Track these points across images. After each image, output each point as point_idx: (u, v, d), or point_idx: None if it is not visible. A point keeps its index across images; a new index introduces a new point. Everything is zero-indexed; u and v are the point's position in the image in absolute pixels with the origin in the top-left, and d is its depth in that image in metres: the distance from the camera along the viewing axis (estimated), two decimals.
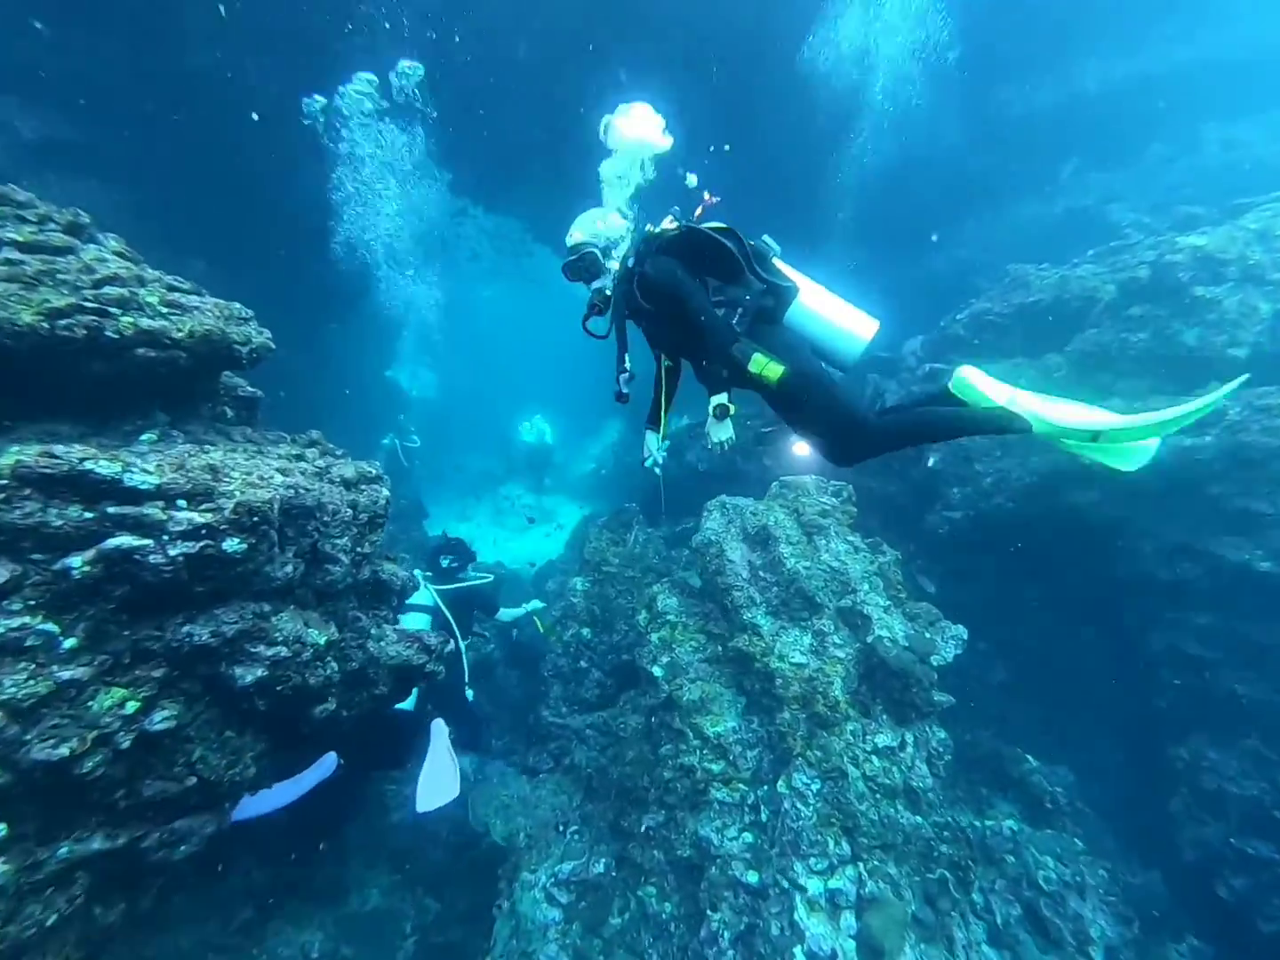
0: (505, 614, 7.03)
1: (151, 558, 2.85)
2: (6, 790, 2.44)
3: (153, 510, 2.87)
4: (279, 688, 3.37)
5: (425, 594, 6.07)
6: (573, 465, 20.90)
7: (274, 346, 3.99)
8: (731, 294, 3.12)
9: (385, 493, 4.50)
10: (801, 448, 6.65)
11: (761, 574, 5.99)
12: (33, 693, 2.51)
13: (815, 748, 4.64)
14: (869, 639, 5.08)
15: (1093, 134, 10.30)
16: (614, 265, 3.23)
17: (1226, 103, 9.60)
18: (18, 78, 7.66)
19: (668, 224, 3.28)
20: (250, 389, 4.39)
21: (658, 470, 3.57)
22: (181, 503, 3.02)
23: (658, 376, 3.43)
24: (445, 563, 6.67)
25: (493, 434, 22.45)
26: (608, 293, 3.19)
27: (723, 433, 3.05)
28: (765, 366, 3.00)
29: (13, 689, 2.46)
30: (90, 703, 2.67)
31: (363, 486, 4.44)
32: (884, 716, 4.77)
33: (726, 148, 9.28)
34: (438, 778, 4.86)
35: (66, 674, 2.58)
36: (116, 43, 7.77)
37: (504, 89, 9.91)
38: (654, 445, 3.54)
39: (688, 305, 2.96)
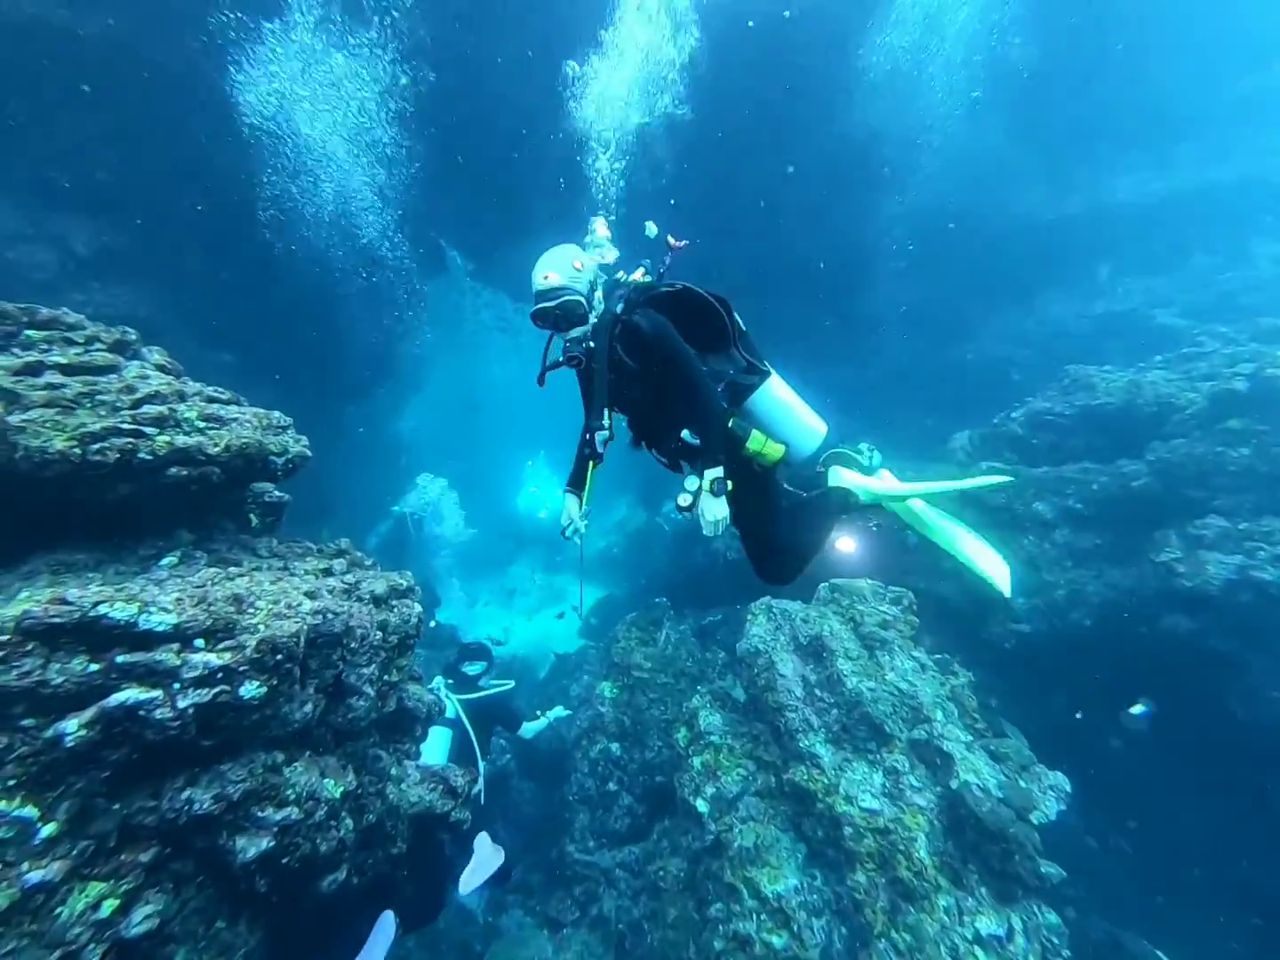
0: (529, 730, 6.45)
1: (157, 713, 2.46)
2: None
3: (166, 655, 2.50)
4: (285, 860, 2.87)
5: (446, 704, 5.62)
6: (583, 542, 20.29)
7: (310, 454, 3.74)
8: (714, 365, 2.91)
9: (417, 609, 4.12)
10: (846, 544, 6.25)
11: (818, 693, 5.43)
12: None
13: (902, 929, 3.93)
14: (953, 784, 4.46)
15: (1128, 241, 10.49)
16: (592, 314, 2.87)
17: (1273, 219, 9.76)
18: (77, 195, 8.06)
19: (638, 275, 3.01)
20: (278, 494, 4.11)
21: (578, 540, 3.20)
22: (199, 643, 2.65)
23: (587, 439, 2.91)
24: (468, 670, 6.20)
25: (494, 507, 22.13)
26: (590, 343, 2.78)
27: (720, 510, 2.64)
28: (765, 445, 2.85)
29: None
30: (60, 909, 2.21)
31: (393, 602, 4.06)
32: (982, 890, 4.06)
33: (790, 168, 9.48)
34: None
35: (36, 876, 2.14)
36: (157, 153, 8.17)
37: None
38: (575, 511, 3.15)
39: (683, 368, 2.68)
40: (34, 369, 2.61)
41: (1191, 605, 5.47)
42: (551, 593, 17.61)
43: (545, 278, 2.70)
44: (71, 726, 2.23)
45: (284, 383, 9.48)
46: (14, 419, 2.43)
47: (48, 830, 2.30)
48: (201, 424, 2.88)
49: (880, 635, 5.60)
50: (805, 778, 4.96)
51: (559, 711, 7.06)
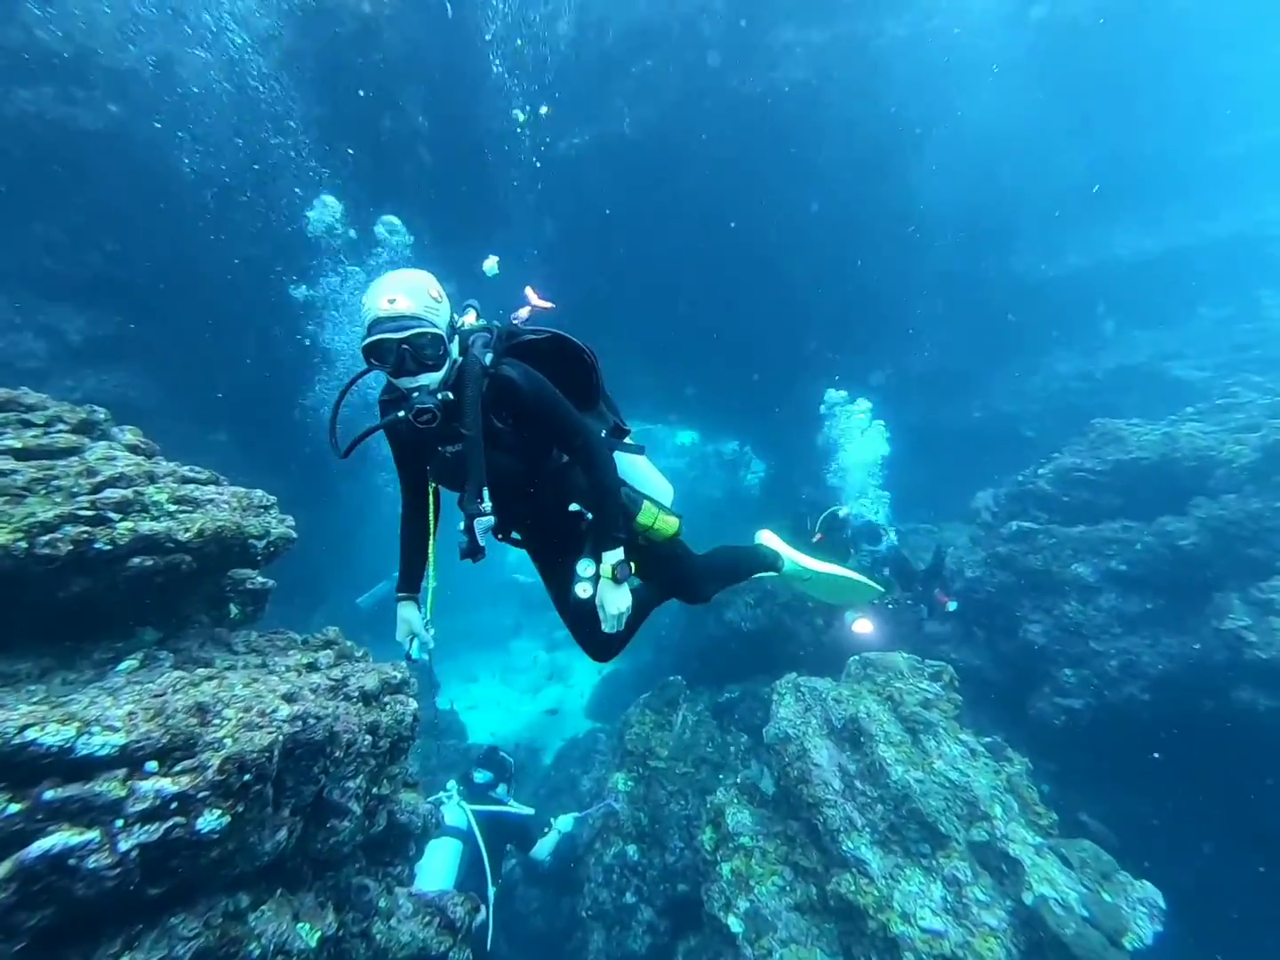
0: (542, 850, 5.82)
1: (91, 860, 2.02)
2: None
3: (108, 786, 2.09)
4: None
5: (458, 812, 5.10)
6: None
7: (295, 536, 3.42)
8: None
9: (412, 706, 3.67)
10: (864, 626, 5.77)
11: (858, 785, 4.86)
12: None
13: None
14: (1025, 897, 3.86)
15: (1130, 295, 10.53)
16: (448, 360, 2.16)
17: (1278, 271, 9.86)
18: (68, 283, 8.18)
19: (470, 319, 2.41)
20: (261, 580, 3.75)
21: (426, 657, 2.58)
22: (151, 766, 2.24)
23: (462, 529, 2.24)
24: (481, 778, 5.68)
25: (491, 579, 21.51)
26: (445, 396, 2.03)
27: (623, 602, 2.25)
28: (658, 519, 2.53)
29: None
30: None
31: (385, 699, 3.63)
32: None
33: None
34: None
35: None
36: (153, 243, 8.32)
37: None
38: (415, 622, 2.51)
39: (567, 429, 2.22)
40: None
41: (1268, 677, 4.97)
42: (554, 669, 16.83)
43: (391, 301, 1.96)
44: None
45: (279, 458, 9.31)
46: None
47: None
48: (171, 507, 2.58)
49: (923, 716, 5.08)
50: (852, 889, 4.35)
51: (568, 822, 6.43)
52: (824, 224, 9.96)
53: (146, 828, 2.14)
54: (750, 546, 3.54)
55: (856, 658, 5.99)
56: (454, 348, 2.12)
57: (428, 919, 3.36)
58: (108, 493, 2.40)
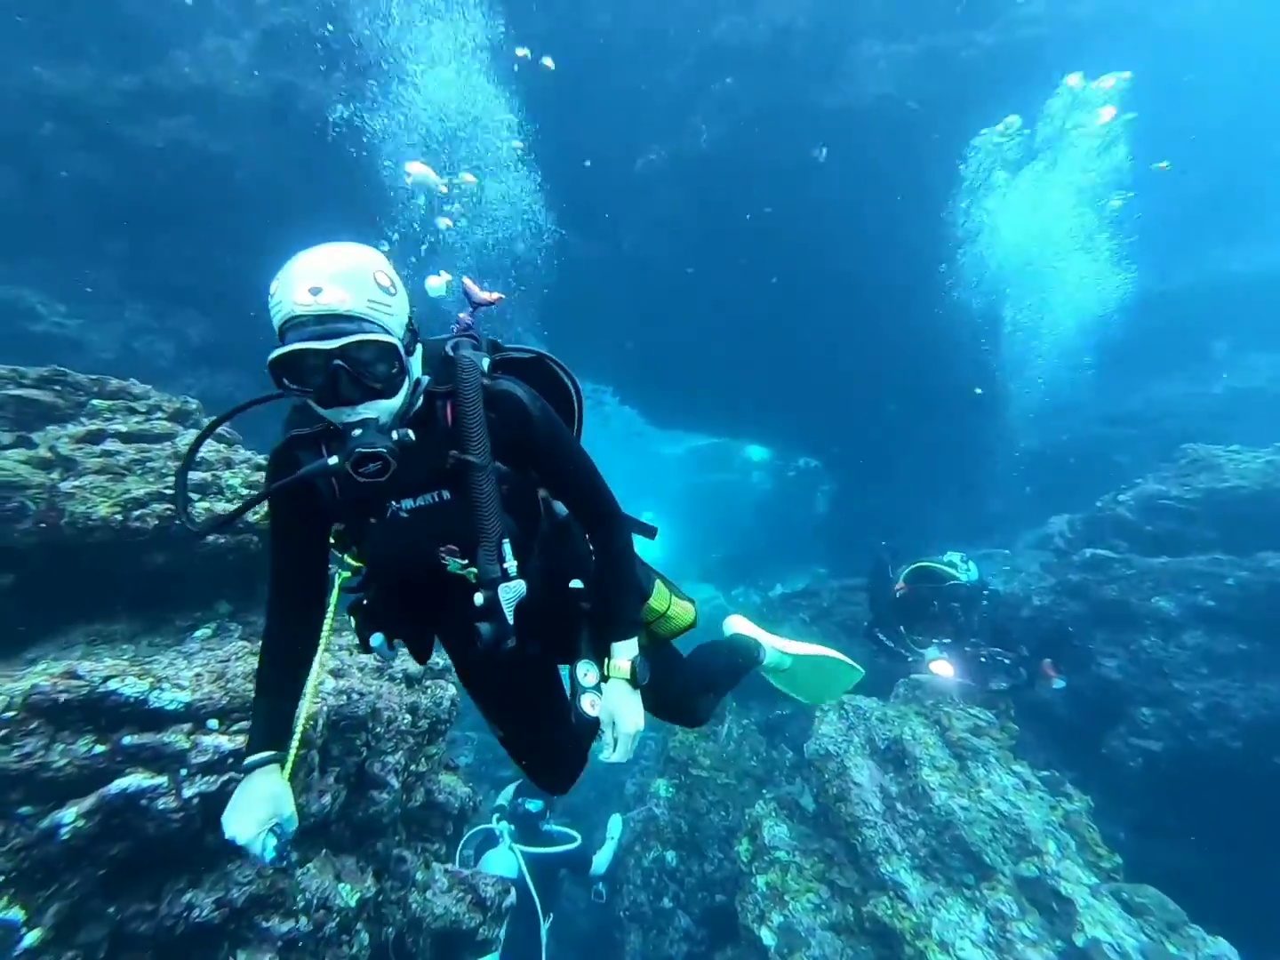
0: (600, 864, 5.84)
1: (160, 802, 2.28)
2: None
3: (175, 738, 2.36)
4: None
5: (509, 859, 4.90)
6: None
7: None
8: None
9: (451, 691, 3.88)
10: (943, 667, 5.47)
11: (899, 807, 4.70)
12: None
13: None
14: (1077, 939, 3.61)
15: (1244, 315, 9.69)
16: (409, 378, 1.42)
17: None
18: (197, 295, 9.12)
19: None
20: None
21: (288, 860, 1.49)
22: (213, 723, 2.51)
23: (297, 635, 1.59)
24: (532, 806, 5.56)
25: None
26: (404, 435, 1.32)
27: (638, 715, 1.63)
28: (673, 603, 1.96)
29: None
30: None
31: (426, 683, 3.85)
32: None
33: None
34: None
35: None
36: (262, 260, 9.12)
37: None
38: (280, 803, 1.48)
39: (582, 474, 1.62)
40: (95, 437, 2.70)
41: None
42: None
43: (314, 291, 1.20)
44: (69, 816, 2.08)
45: None
46: (66, 485, 2.47)
47: (32, 937, 2.11)
48: (244, 491, 2.86)
49: (972, 743, 4.85)
50: (889, 913, 4.20)
51: (617, 825, 6.46)
52: (903, 241, 9.70)
53: (206, 779, 2.40)
54: (728, 641, 2.80)
55: (906, 679, 5.79)
56: (415, 361, 1.41)
57: (461, 895, 3.53)
58: (191, 475, 2.70)
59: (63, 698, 2.08)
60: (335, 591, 1.57)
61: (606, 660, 1.64)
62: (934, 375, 10.85)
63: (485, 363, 1.51)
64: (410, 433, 1.31)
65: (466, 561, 1.50)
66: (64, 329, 8.07)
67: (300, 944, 2.62)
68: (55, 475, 2.48)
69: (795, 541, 17.73)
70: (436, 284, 1.70)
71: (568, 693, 1.66)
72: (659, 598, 1.94)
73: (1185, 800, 5.37)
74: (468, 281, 1.85)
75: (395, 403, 1.33)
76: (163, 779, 2.30)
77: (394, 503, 1.46)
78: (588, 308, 11.75)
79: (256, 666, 1.59)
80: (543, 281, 11.58)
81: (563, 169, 10.42)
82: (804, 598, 10.60)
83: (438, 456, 1.41)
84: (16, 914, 2.01)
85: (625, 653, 1.64)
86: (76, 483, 2.46)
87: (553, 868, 5.22)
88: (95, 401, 2.91)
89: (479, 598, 1.40)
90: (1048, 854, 4.09)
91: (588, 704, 1.61)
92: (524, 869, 4.80)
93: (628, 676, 1.61)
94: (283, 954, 2.55)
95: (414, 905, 3.32)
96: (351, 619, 1.60)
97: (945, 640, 5.44)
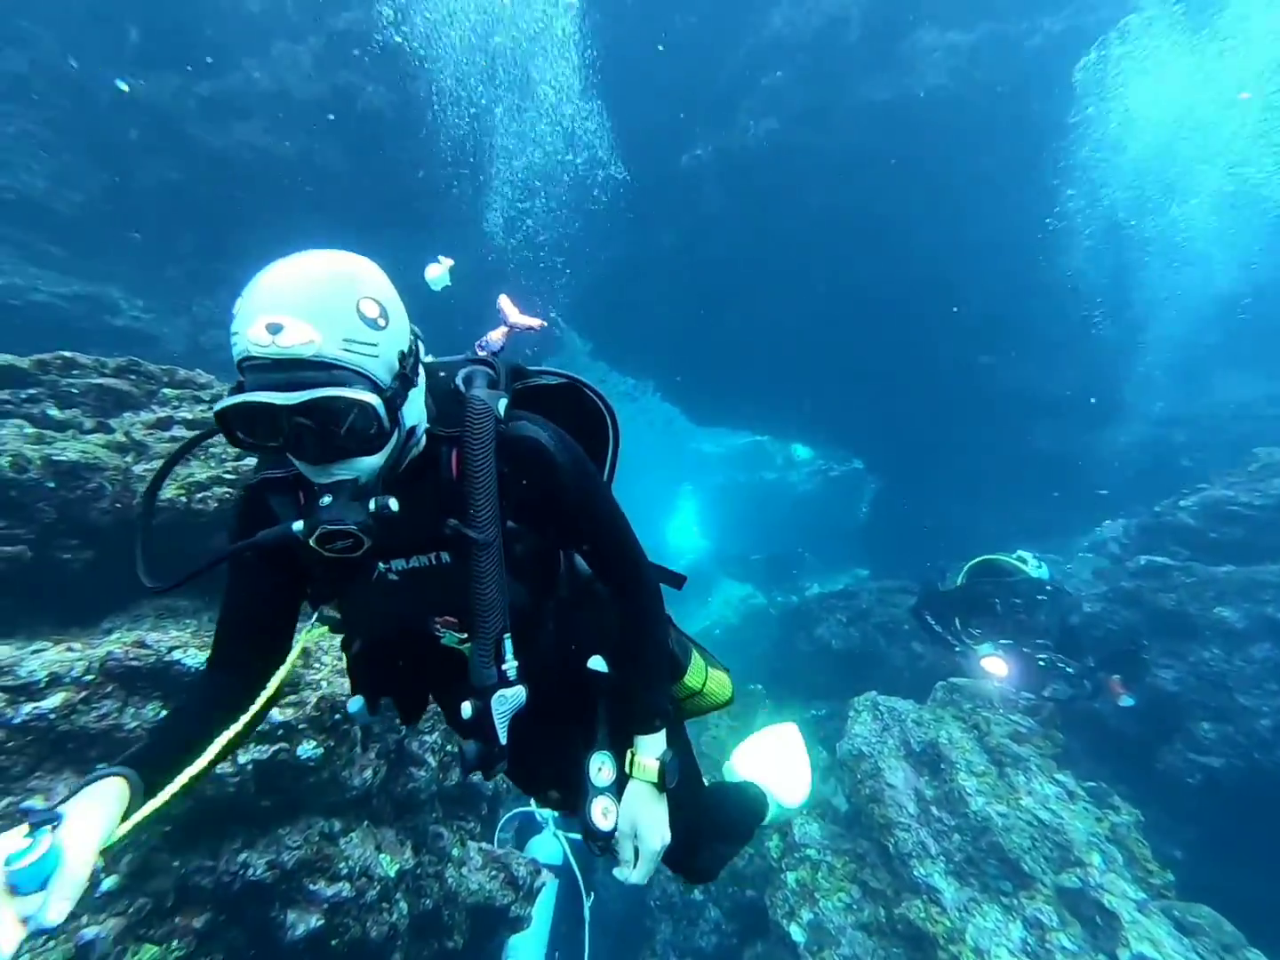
0: None
1: (220, 767, 2.44)
2: None
3: None
4: (334, 941, 2.71)
5: (553, 845, 4.92)
6: (682, 624, 19.29)
7: None
8: None
9: None
10: (996, 665, 5.28)
11: (934, 811, 4.62)
12: None
13: None
14: (1121, 954, 3.50)
15: None
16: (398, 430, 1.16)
17: None
18: None
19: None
20: None
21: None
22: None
23: (224, 691, 1.24)
24: None
25: None
26: (389, 506, 1.06)
27: (664, 826, 1.32)
28: (709, 678, 1.71)
29: (25, 958, 2.05)
30: None
31: None
32: None
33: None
34: None
35: (92, 933, 2.13)
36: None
37: None
38: (89, 843, 0.93)
39: (616, 535, 1.37)
40: (164, 423, 2.89)
41: None
42: None
43: (273, 330, 0.92)
44: None
45: None
46: (139, 468, 2.66)
47: (109, 883, 2.31)
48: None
49: (1012, 750, 4.72)
50: (922, 916, 4.15)
51: None
52: (959, 237, 9.39)
53: (260, 747, 2.56)
54: (743, 793, 2.25)
55: (944, 683, 5.67)
56: (412, 402, 1.12)
57: (495, 873, 3.64)
58: (249, 460, 2.86)
59: (133, 665, 2.24)
60: (298, 649, 1.27)
61: (629, 754, 1.34)
62: (998, 377, 10.51)
63: (502, 405, 1.22)
64: (392, 502, 1.04)
65: (466, 636, 1.27)
66: (140, 322, 8.61)
67: (344, 908, 2.76)
68: (129, 459, 2.68)
69: (835, 543, 17.46)
70: (436, 273, 1.74)
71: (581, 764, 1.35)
72: (694, 671, 1.67)
73: (1249, 821, 5.10)
74: (506, 301, 1.60)
75: (378, 460, 1.05)
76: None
77: (382, 563, 1.23)
78: (631, 305, 11.81)
79: (178, 707, 1.24)
80: (585, 277, 11.71)
81: (607, 164, 10.49)
82: (841, 599, 10.48)
83: (435, 515, 1.16)
84: (97, 861, 2.20)
85: (652, 748, 1.33)
86: (148, 466, 2.66)
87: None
88: (165, 390, 3.13)
89: (467, 708, 1.17)
90: (1091, 866, 3.96)
91: (599, 812, 1.29)
92: (568, 853, 4.90)
93: (654, 779, 1.30)
94: (328, 916, 2.69)
95: (450, 880, 3.44)
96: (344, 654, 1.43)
97: (1005, 641, 5.19)
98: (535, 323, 1.59)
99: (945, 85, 8.58)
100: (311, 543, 1.00)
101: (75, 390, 3.09)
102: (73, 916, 2.26)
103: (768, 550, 19.40)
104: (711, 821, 1.85)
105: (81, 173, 8.51)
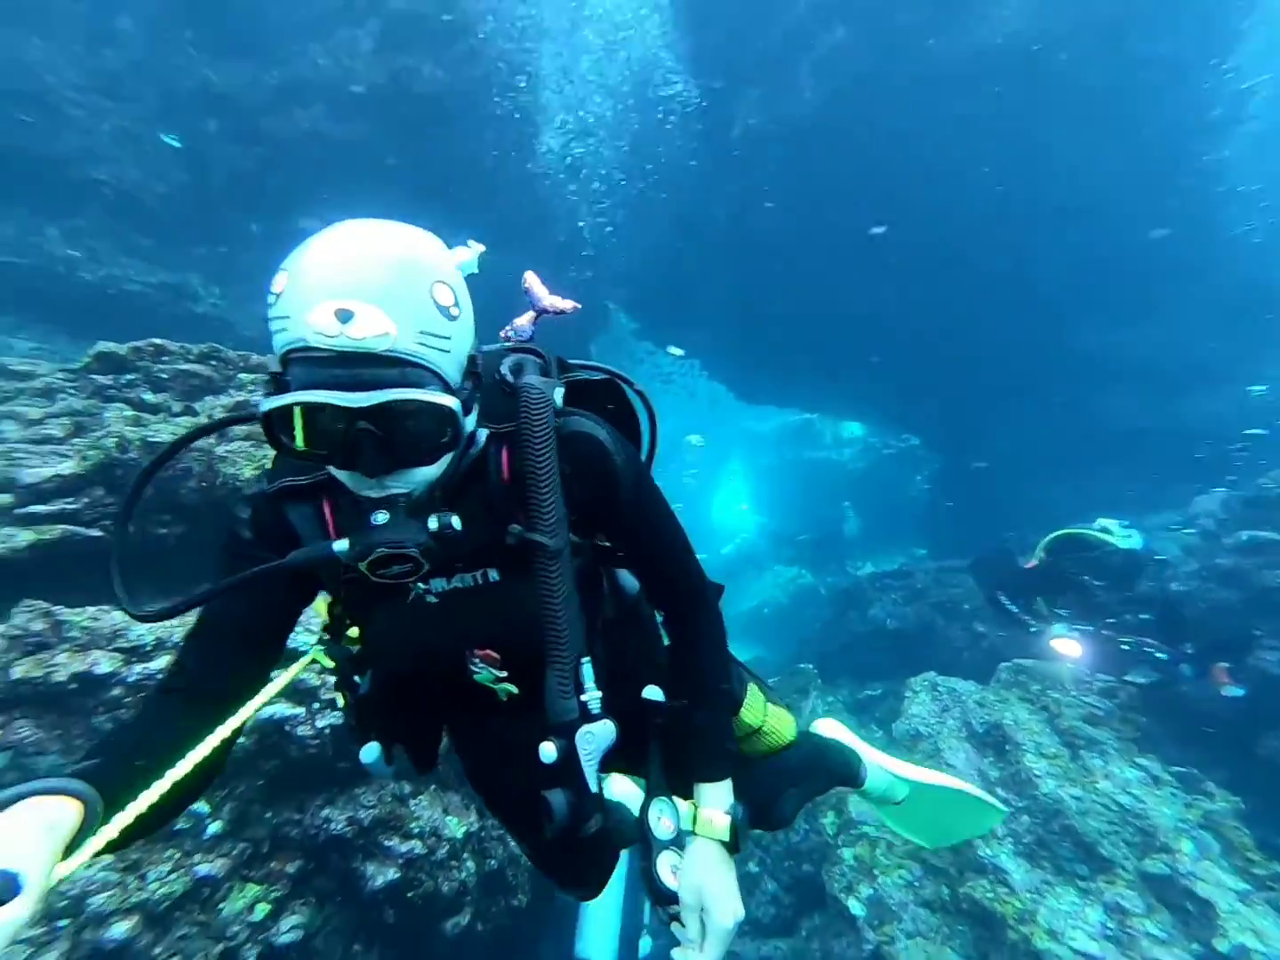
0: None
1: (300, 729, 2.60)
2: None
3: (308, 674, 2.67)
4: (410, 894, 2.87)
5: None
6: (730, 603, 19.15)
7: None
8: None
9: None
10: (1069, 646, 4.92)
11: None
12: (169, 893, 2.30)
13: None
14: (1219, 944, 3.32)
15: None
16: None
17: None
18: None
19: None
20: None
21: None
22: None
23: (195, 709, 0.98)
24: None
25: None
26: (453, 525, 0.91)
27: (734, 894, 1.14)
28: (768, 714, 1.57)
29: (154, 884, 2.28)
30: (222, 905, 2.39)
31: None
32: None
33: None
34: None
35: (205, 869, 2.34)
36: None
37: None
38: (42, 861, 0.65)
39: (677, 548, 1.22)
40: (241, 407, 3.04)
41: None
42: None
43: (343, 316, 0.77)
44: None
45: None
46: (220, 449, 2.82)
47: (214, 827, 2.51)
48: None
49: (1086, 732, 4.52)
50: (989, 895, 4.06)
51: None
52: (1036, 202, 8.75)
53: (335, 713, 2.70)
54: (820, 740, 2.12)
55: (1009, 664, 5.46)
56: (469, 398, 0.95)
57: None
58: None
59: None
60: (297, 669, 1.10)
61: (691, 806, 1.16)
62: (1077, 341, 9.87)
63: (559, 395, 1.08)
64: (455, 520, 0.90)
65: (505, 674, 1.12)
66: (217, 309, 9.06)
67: (417, 864, 2.91)
68: (212, 440, 2.85)
69: (890, 522, 16.98)
70: (466, 257, 0.99)
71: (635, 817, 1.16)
72: (753, 707, 1.50)
73: None
74: (533, 279, 1.34)
75: (435, 471, 0.91)
76: (301, 710, 2.61)
77: (420, 583, 1.05)
78: (680, 282, 11.64)
79: (137, 718, 1.01)
80: (634, 254, 11.60)
81: (654, 133, 10.30)
82: (897, 578, 10.22)
83: (489, 526, 1.01)
84: (203, 807, 2.47)
85: (719, 799, 1.14)
86: (228, 448, 2.82)
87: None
88: (242, 375, 3.31)
89: (549, 750, 0.97)
90: (1180, 853, 3.77)
91: (668, 869, 1.11)
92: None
93: (725, 837, 1.11)
94: (403, 870, 2.85)
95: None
96: (339, 694, 1.22)
97: (1085, 624, 4.83)
98: (568, 305, 1.33)
99: (1022, 31, 7.98)
100: (362, 567, 0.85)
101: (165, 376, 3.31)
102: (185, 854, 2.49)
103: (816, 530, 19.09)
104: (782, 768, 1.72)
105: (166, 165, 8.97)
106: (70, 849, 0.68)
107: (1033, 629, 5.11)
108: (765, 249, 10.39)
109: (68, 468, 2.84)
